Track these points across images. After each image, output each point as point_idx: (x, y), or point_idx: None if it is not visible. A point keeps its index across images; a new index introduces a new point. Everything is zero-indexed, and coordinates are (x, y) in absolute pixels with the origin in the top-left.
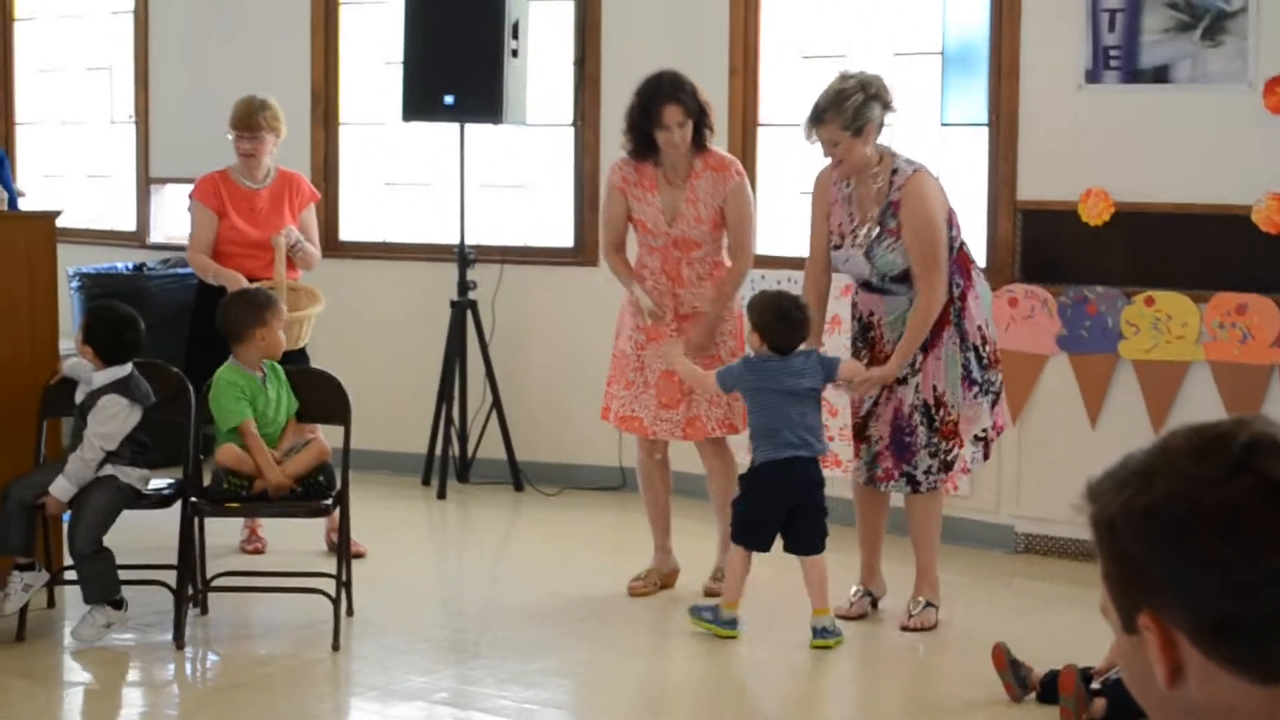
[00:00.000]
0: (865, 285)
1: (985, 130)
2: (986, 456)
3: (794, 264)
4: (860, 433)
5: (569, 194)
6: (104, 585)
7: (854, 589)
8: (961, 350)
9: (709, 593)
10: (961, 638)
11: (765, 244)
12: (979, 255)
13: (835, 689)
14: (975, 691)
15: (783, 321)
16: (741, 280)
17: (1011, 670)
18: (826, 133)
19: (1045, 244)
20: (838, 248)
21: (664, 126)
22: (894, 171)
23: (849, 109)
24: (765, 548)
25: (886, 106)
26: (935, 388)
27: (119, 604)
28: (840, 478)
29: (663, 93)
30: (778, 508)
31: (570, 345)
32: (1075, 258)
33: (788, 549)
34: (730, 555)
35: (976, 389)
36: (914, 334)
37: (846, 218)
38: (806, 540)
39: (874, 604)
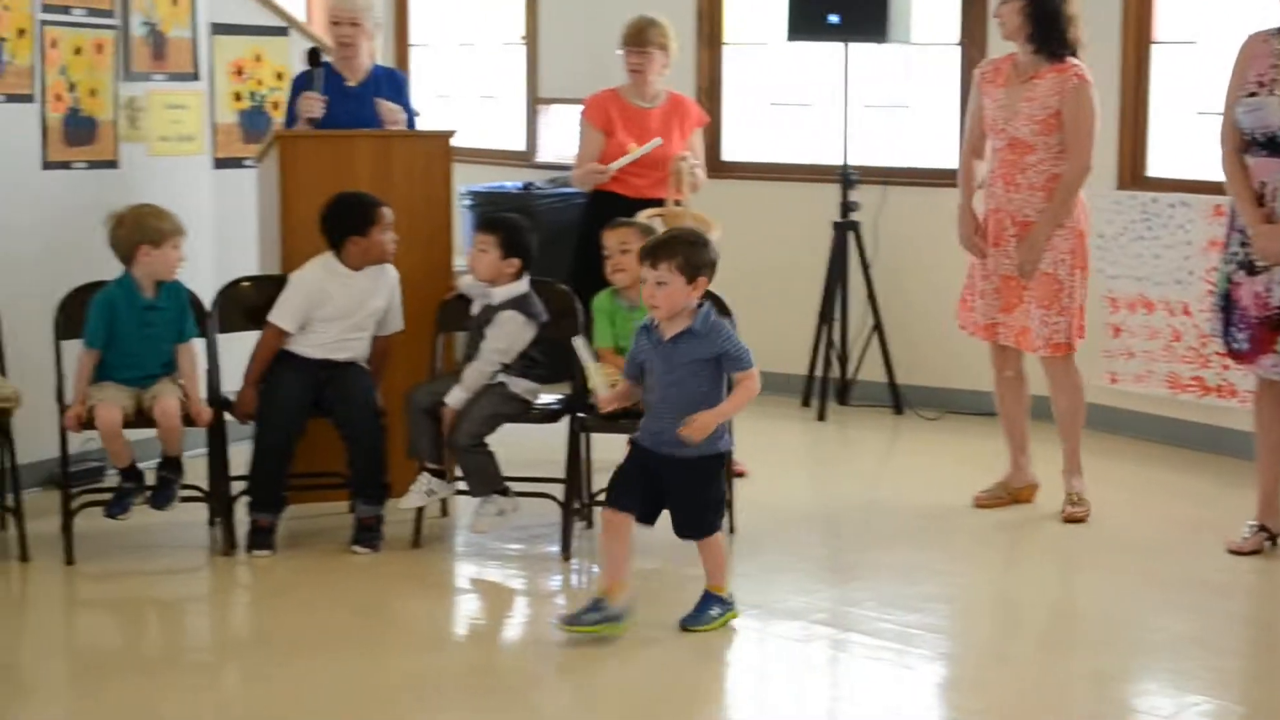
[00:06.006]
0: (1268, 145)
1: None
2: None
3: (1190, 187)
4: (1277, 325)
5: (954, 115)
6: (485, 478)
7: (1249, 524)
8: None
9: (1068, 518)
10: None
11: (1157, 166)
12: None
13: (1228, 626)
14: None
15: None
16: (1072, 186)
17: None
18: None
19: None
20: (1253, 94)
21: None
22: None
23: None
24: None
25: None
26: None
27: (505, 492)
28: (1237, 408)
29: None
30: None
31: (952, 268)
32: None
33: None
34: None
35: None
36: None
37: (1269, 69)
38: None
39: (1273, 540)
